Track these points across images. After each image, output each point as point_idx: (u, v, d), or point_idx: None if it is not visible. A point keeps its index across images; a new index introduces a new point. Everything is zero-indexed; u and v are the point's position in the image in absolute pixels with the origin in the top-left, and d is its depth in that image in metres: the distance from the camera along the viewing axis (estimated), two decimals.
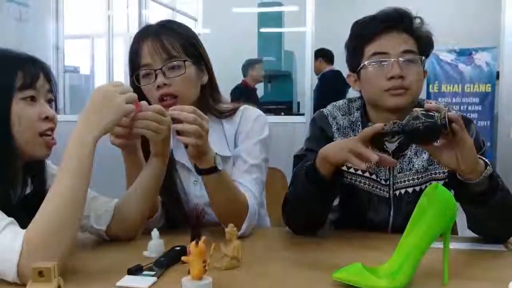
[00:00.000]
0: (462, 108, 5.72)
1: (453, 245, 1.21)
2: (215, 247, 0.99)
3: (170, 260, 1.12)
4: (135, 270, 1.05)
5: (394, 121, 1.15)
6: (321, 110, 1.55)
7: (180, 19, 6.37)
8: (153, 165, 1.31)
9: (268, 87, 7.18)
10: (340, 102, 1.55)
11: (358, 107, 1.51)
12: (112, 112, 1.10)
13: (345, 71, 1.54)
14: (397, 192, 1.45)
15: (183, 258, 0.95)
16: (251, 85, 6.08)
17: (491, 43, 5.38)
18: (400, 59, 1.37)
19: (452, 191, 1.19)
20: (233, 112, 1.53)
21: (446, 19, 5.77)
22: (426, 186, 1.40)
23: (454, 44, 5.70)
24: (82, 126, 1.08)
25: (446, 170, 1.38)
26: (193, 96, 1.45)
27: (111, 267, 1.13)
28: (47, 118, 1.15)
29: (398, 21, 1.40)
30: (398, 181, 1.44)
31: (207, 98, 1.51)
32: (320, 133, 1.50)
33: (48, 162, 1.27)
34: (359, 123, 1.48)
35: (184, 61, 1.42)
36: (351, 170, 1.45)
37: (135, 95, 1.16)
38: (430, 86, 5.86)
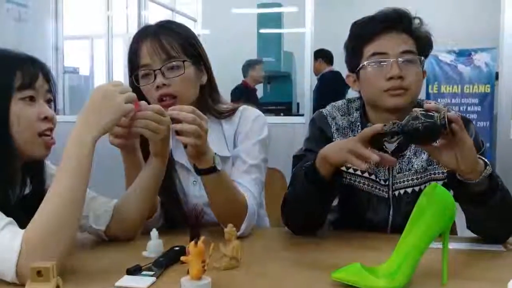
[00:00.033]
0: (461, 108, 5.73)
1: (452, 245, 1.21)
2: (214, 247, 0.99)
3: (169, 260, 1.11)
4: (134, 270, 1.05)
5: (394, 122, 1.15)
6: (320, 110, 1.55)
7: (179, 20, 6.35)
8: (153, 165, 1.31)
9: (267, 88, 7.19)
10: (339, 102, 1.55)
11: (357, 108, 1.51)
12: (111, 112, 1.10)
13: (344, 72, 1.54)
14: (396, 193, 1.45)
15: (182, 258, 0.95)
16: (251, 86, 6.08)
17: (490, 43, 5.39)
18: (399, 59, 1.37)
19: (452, 191, 1.19)
20: (232, 112, 1.53)
21: (445, 20, 5.77)
22: (425, 186, 1.40)
23: (453, 45, 5.71)
24: (81, 126, 1.08)
25: (445, 170, 1.39)
26: (192, 96, 1.45)
27: (110, 267, 1.13)
28: (46, 118, 1.15)
29: (397, 21, 1.40)
30: (398, 181, 1.45)
31: (206, 98, 1.51)
32: (320, 134, 1.50)
33: (47, 162, 1.27)
34: (358, 123, 1.48)
35: (184, 61, 1.42)
36: (350, 170, 1.45)
37: (134, 95, 1.16)
38: (430, 87, 5.86)
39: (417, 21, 1.42)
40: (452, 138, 1.13)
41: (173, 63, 1.41)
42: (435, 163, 1.43)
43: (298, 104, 6.87)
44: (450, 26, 5.78)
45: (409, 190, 1.44)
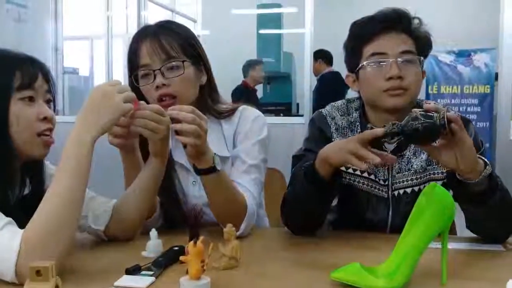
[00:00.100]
0: (461, 109, 5.72)
1: (451, 245, 1.21)
2: (214, 247, 0.99)
3: (169, 260, 1.11)
4: (133, 270, 1.05)
5: (393, 122, 1.15)
6: (320, 110, 1.55)
7: (179, 20, 6.33)
8: (152, 165, 1.31)
9: (267, 88, 7.19)
10: (339, 102, 1.55)
11: (357, 108, 1.51)
12: (110, 111, 1.10)
13: (344, 72, 1.54)
14: (396, 193, 1.45)
15: (181, 258, 0.95)
16: (251, 86, 6.08)
17: (490, 44, 5.39)
18: (399, 59, 1.37)
19: (451, 191, 1.19)
20: (231, 112, 1.53)
21: (445, 20, 5.78)
22: (424, 187, 1.39)
23: (453, 45, 5.71)
24: (80, 126, 1.08)
25: (444, 170, 1.39)
26: (192, 96, 1.45)
27: (109, 267, 1.13)
28: (45, 119, 1.15)
29: (397, 21, 1.40)
30: (397, 181, 1.44)
31: (206, 99, 1.51)
32: (319, 134, 1.50)
33: (47, 162, 1.27)
34: (358, 123, 1.48)
35: (183, 61, 1.42)
36: (350, 170, 1.45)
37: (133, 94, 1.16)
38: (429, 87, 5.86)
39: (416, 21, 1.42)
40: (451, 138, 1.13)
41: (173, 63, 1.41)
42: (434, 163, 1.43)
43: (297, 104, 6.88)
44: (449, 26, 5.79)
45: (409, 190, 1.44)
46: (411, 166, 1.44)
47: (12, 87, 1.11)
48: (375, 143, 1.20)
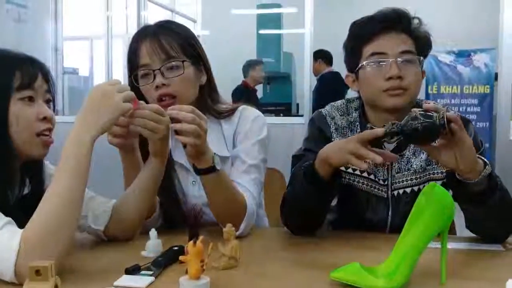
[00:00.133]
0: (461, 109, 5.72)
1: (451, 245, 1.21)
2: (213, 246, 0.99)
3: (168, 260, 1.11)
4: (133, 270, 1.05)
5: (393, 122, 1.15)
6: (320, 110, 1.55)
7: (179, 20, 6.32)
8: (152, 165, 1.30)
9: (267, 89, 7.20)
10: (339, 102, 1.55)
11: (357, 107, 1.51)
12: (110, 111, 1.10)
13: (344, 72, 1.54)
14: (395, 192, 1.45)
15: (181, 257, 0.95)
16: (251, 86, 6.08)
17: (490, 44, 5.39)
18: (399, 59, 1.37)
19: (451, 191, 1.19)
20: (231, 112, 1.53)
21: (445, 20, 5.78)
22: (424, 186, 1.40)
23: (453, 46, 5.71)
24: (79, 126, 1.08)
25: (444, 170, 1.39)
26: (191, 96, 1.45)
27: (109, 267, 1.13)
28: (45, 119, 1.15)
29: (396, 21, 1.40)
30: (396, 181, 1.44)
31: (206, 98, 1.51)
32: (319, 133, 1.50)
33: (46, 162, 1.27)
34: (358, 123, 1.48)
35: (183, 61, 1.42)
36: (349, 170, 1.45)
37: (132, 93, 1.16)
38: (429, 87, 5.87)
39: (416, 21, 1.42)
40: (451, 138, 1.13)
41: (173, 63, 1.41)
42: (434, 163, 1.43)
43: (297, 104, 6.88)
44: (449, 26, 5.80)
45: (408, 190, 1.44)
46: (411, 166, 1.44)
47: (12, 87, 1.11)
48: (375, 143, 1.20)
